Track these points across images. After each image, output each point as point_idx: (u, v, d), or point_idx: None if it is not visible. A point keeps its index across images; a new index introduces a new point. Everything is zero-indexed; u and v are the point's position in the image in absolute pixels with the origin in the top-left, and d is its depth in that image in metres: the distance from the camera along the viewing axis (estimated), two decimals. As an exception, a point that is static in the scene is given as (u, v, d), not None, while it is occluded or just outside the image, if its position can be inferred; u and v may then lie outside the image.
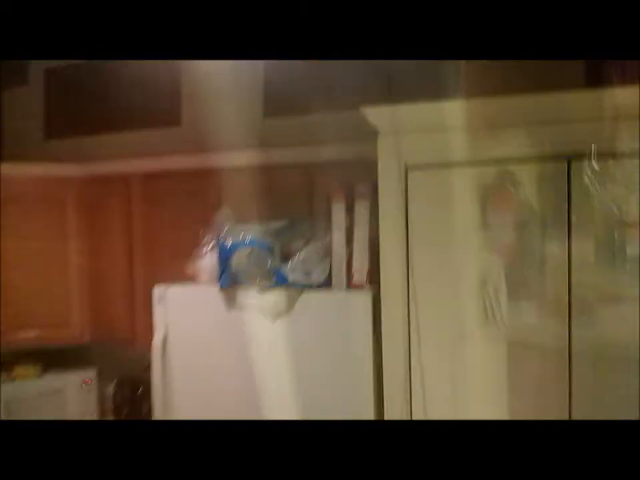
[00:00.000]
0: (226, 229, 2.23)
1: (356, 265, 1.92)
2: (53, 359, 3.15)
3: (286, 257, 2.06)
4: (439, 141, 1.64)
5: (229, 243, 2.13)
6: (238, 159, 2.56)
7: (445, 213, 1.68)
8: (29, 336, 2.89)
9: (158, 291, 2.31)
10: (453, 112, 1.62)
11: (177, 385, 2.24)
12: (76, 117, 3.21)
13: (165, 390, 2.25)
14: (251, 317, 2.06)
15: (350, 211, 1.94)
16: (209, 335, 2.19)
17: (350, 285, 1.94)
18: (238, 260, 2.10)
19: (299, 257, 2.03)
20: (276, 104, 2.73)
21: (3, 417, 2.86)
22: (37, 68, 3.29)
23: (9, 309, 2.86)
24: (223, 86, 2.81)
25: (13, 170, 2.87)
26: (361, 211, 1.91)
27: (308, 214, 2.22)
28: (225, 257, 2.12)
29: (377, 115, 1.68)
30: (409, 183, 1.70)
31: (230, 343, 2.13)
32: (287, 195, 2.36)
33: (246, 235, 2.13)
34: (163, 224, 2.75)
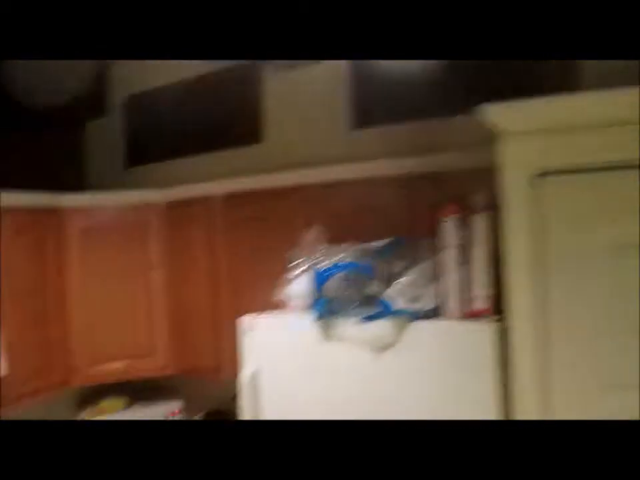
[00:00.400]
0: (318, 251, 2.02)
1: (475, 290, 1.65)
2: (139, 391, 3.05)
3: (388, 281, 1.81)
4: (581, 141, 1.36)
5: (323, 266, 1.92)
6: (327, 174, 2.35)
7: (587, 226, 1.39)
8: (114, 368, 2.79)
9: (246, 320, 2.12)
10: (597, 106, 1.34)
11: (267, 413, 2.04)
12: (156, 143, 3.13)
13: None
14: (349, 349, 1.83)
15: (464, 226, 1.68)
16: (300, 367, 1.97)
17: (466, 313, 1.67)
18: (333, 285, 1.88)
19: (404, 281, 1.78)
20: (365, 113, 2.51)
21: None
22: (117, 97, 3.26)
23: (94, 341, 2.78)
24: (306, 97, 2.63)
25: (94, 200, 2.80)
26: (480, 225, 1.64)
27: (412, 232, 1.98)
28: (318, 282, 1.91)
29: (501, 113, 1.41)
30: (540, 191, 1.42)
31: (324, 375, 1.90)
32: (386, 211, 2.13)
33: (342, 257, 1.91)
34: (248, 248, 2.58)
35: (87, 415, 2.85)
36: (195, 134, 3.00)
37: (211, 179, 2.70)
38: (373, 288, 1.81)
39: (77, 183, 3.25)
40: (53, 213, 2.69)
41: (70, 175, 3.24)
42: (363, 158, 2.33)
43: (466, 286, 1.67)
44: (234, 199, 2.61)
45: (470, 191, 1.70)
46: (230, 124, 2.85)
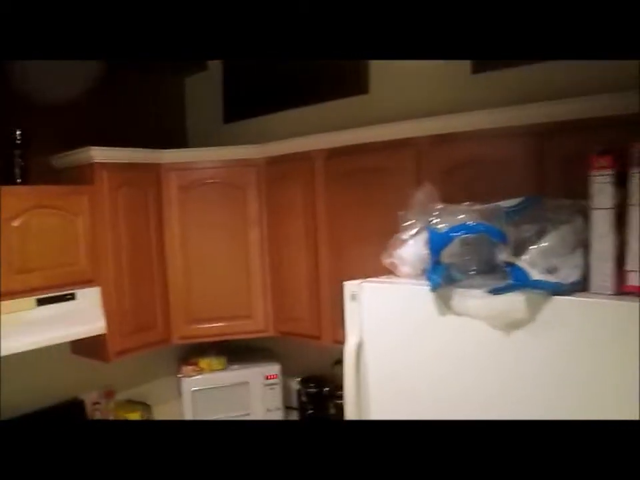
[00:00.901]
0: (433, 211, 1.79)
1: (629, 262, 1.36)
2: (238, 352, 3.01)
3: (519, 248, 1.56)
4: None
5: (441, 228, 1.68)
6: (440, 125, 2.09)
7: None
8: (212, 328, 2.74)
9: (350, 285, 1.94)
10: None
11: (371, 386, 1.88)
12: (255, 97, 2.98)
13: (358, 391, 1.90)
14: (471, 325, 1.60)
15: (619, 184, 1.38)
16: (411, 341, 1.78)
17: (620, 289, 1.39)
18: (453, 250, 1.65)
19: (539, 249, 1.52)
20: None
21: (190, 406, 2.79)
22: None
23: (193, 300, 2.74)
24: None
25: (192, 155, 2.71)
26: (637, 183, 1.34)
27: (545, 190, 1.70)
28: (435, 245, 1.68)
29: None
30: None
31: (438, 353, 1.70)
32: (514, 166, 1.85)
33: (462, 218, 1.67)
34: (351, 207, 2.38)
35: (186, 372, 2.84)
36: (294, 85, 2.81)
37: (313, 133, 2.52)
38: (500, 255, 1.56)
39: (178, 138, 3.19)
40: (151, 168, 2.63)
41: (170, 130, 3.18)
42: (484, 105, 2.05)
43: (618, 257, 1.39)
44: (337, 154, 2.42)
45: (626, 141, 1.39)
46: (333, 72, 2.62)
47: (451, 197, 1.88)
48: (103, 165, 2.44)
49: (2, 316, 2.11)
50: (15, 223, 2.16)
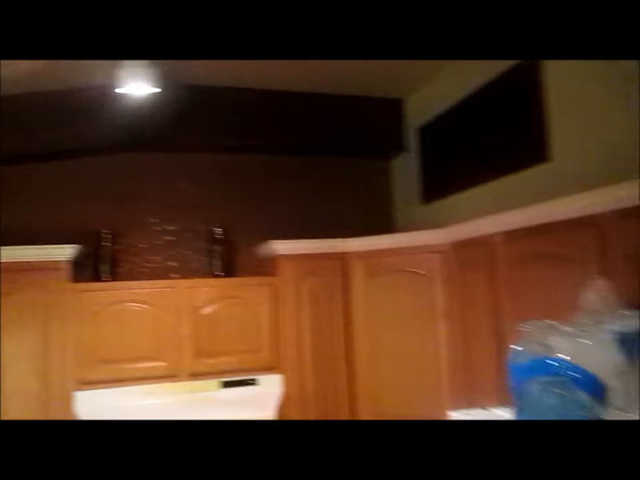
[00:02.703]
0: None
1: None
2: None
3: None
4: None
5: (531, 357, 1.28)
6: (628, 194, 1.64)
7: None
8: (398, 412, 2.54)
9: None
10: None
11: None
12: (445, 176, 2.81)
13: None
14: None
15: None
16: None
17: None
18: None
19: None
20: None
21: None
22: (411, 130, 3.08)
23: (381, 392, 2.60)
24: (601, 95, 1.93)
25: (376, 243, 2.65)
26: None
27: None
28: (515, 382, 1.29)
29: None
30: None
31: None
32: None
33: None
34: (534, 295, 2.00)
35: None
36: (476, 160, 2.56)
37: (494, 211, 2.24)
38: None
39: (382, 222, 3.19)
40: (337, 257, 2.67)
41: (375, 217, 3.20)
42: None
43: None
44: (516, 235, 2.09)
45: None
46: (510, 141, 2.31)
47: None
48: (287, 257, 2.57)
49: (189, 395, 2.34)
50: (204, 311, 2.42)
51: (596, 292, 1.56)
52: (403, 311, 2.58)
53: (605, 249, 1.72)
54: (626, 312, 1.35)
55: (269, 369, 2.51)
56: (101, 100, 2.46)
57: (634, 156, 1.76)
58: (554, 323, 1.38)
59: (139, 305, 2.41)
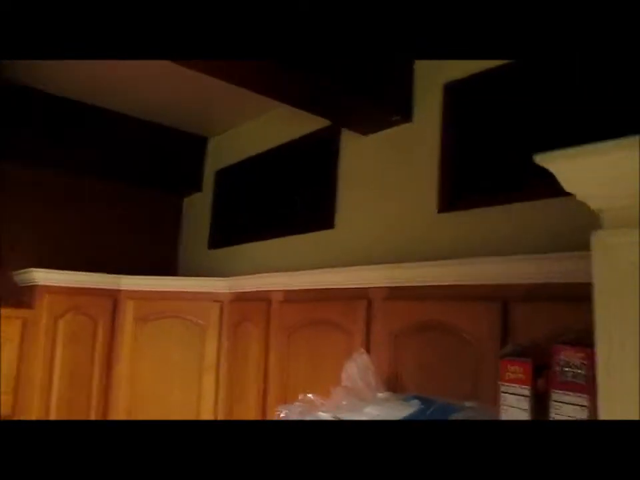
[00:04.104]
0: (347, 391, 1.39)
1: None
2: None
3: None
4: None
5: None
6: (396, 274, 1.72)
7: None
8: None
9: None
10: None
11: None
12: (232, 225, 2.75)
13: None
14: None
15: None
16: None
17: None
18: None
19: None
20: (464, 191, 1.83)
21: None
22: (209, 172, 3.00)
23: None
24: (385, 162, 2.05)
25: (151, 284, 2.47)
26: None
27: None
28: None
29: None
30: None
31: None
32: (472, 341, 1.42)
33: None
34: (302, 357, 2.01)
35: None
36: (268, 216, 2.55)
37: (279, 267, 2.23)
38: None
39: (166, 263, 3.01)
40: (107, 294, 2.42)
41: (159, 254, 3.02)
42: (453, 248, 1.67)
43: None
44: (294, 295, 2.09)
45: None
46: (303, 203, 2.34)
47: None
48: (46, 288, 2.26)
49: None
50: None
51: (357, 366, 1.60)
52: (171, 360, 2.42)
53: (371, 322, 1.79)
54: (382, 394, 1.38)
55: (8, 415, 2.14)
56: None
57: (410, 230, 1.87)
58: (315, 399, 1.36)
59: None
